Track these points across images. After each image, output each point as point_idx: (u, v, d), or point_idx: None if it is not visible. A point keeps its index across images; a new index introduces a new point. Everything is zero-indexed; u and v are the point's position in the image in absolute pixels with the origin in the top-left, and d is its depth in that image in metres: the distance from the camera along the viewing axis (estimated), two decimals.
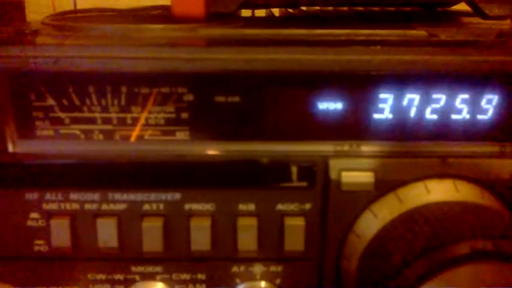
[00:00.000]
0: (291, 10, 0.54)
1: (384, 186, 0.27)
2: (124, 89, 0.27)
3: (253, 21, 0.40)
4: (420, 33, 0.32)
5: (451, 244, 0.22)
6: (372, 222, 0.27)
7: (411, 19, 0.46)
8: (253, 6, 0.48)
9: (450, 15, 0.51)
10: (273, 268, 0.30)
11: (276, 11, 0.56)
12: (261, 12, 0.53)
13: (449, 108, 0.28)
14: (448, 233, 0.23)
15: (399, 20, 0.45)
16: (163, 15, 0.41)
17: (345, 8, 0.56)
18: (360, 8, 0.55)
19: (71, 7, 0.71)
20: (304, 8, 0.54)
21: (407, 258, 0.23)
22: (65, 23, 0.32)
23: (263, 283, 0.30)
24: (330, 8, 0.56)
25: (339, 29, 0.31)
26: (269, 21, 0.46)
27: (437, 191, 0.26)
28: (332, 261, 0.29)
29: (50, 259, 0.30)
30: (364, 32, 0.31)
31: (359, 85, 0.27)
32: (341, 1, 0.49)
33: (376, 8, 0.54)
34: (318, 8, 0.55)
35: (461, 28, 0.38)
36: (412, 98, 0.28)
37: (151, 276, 0.30)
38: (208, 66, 0.27)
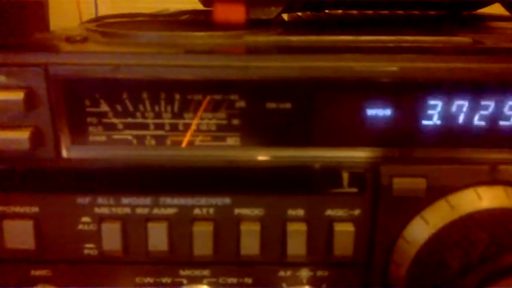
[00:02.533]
0: (300, 14, 0.54)
1: (435, 192, 0.27)
2: (177, 96, 0.27)
3: (291, 27, 0.41)
4: (465, 39, 0.32)
5: (509, 252, 0.23)
6: (423, 228, 0.27)
7: (441, 23, 0.46)
8: (288, 11, 0.49)
9: (478, 19, 0.51)
10: (319, 273, 0.30)
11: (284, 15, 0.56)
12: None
13: (497, 114, 0.28)
14: (505, 240, 0.23)
15: (428, 24, 0.46)
16: (200, 21, 0.42)
17: (370, 12, 0.56)
18: (385, 12, 0.55)
19: (91, 12, 0.72)
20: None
21: (465, 265, 0.23)
22: (112, 29, 0.33)
23: (307, 287, 0.30)
24: (354, 12, 0.56)
25: (384, 36, 0.32)
26: (306, 27, 0.46)
27: (489, 198, 0.27)
28: (380, 267, 0.29)
29: (99, 262, 0.30)
30: (409, 39, 0.31)
31: (409, 92, 0.27)
32: (366, 5, 0.49)
33: (401, 12, 0.54)
34: (341, 11, 0.55)
35: (500, 34, 0.38)
36: (460, 105, 0.28)
37: (198, 280, 0.30)
38: (261, 73, 0.27)
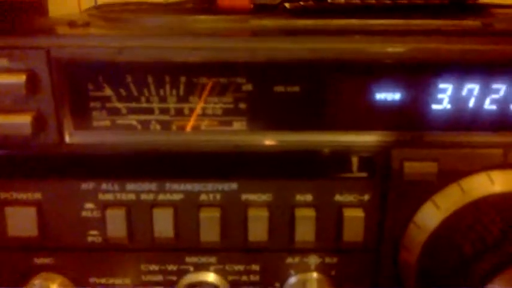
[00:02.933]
0: (302, 3, 0.54)
1: (446, 176, 0.27)
2: (183, 79, 0.27)
3: (297, 13, 0.40)
4: (474, 23, 0.31)
5: None
6: (434, 213, 0.27)
7: (446, 11, 0.45)
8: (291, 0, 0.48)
9: (483, 8, 0.50)
10: (328, 260, 0.29)
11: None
12: None
13: (509, 98, 0.27)
14: None
15: (433, 12, 0.45)
16: (204, 7, 0.41)
17: (373, 1, 0.55)
18: (387, 2, 0.54)
19: (90, 2, 0.71)
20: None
21: (479, 249, 0.23)
22: (115, 15, 0.32)
23: (316, 274, 0.30)
24: (357, 1, 0.55)
25: (393, 19, 0.31)
26: (313, 13, 0.45)
27: (502, 182, 0.26)
28: (390, 252, 0.29)
29: (103, 250, 0.29)
30: (419, 22, 0.31)
31: (419, 74, 0.27)
32: None
33: (404, 1, 0.54)
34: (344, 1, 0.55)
35: (507, 18, 0.38)
36: (471, 88, 0.27)
37: (205, 267, 0.30)
38: (269, 56, 0.26)
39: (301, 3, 0.54)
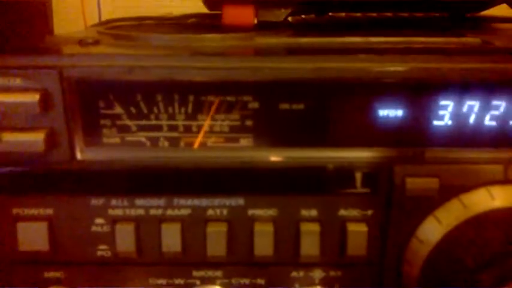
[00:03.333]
0: (303, 16, 0.55)
1: (448, 192, 0.28)
2: (191, 98, 0.27)
3: (299, 29, 0.41)
4: (474, 40, 0.32)
5: None
6: (436, 227, 0.27)
7: (445, 25, 0.46)
8: (295, 14, 0.49)
9: (482, 21, 0.51)
10: (332, 273, 0.30)
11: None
12: None
13: (509, 114, 0.28)
14: None
15: (432, 26, 0.46)
16: (209, 24, 0.42)
17: (374, 14, 0.56)
18: (389, 14, 0.55)
19: (94, 14, 0.73)
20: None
21: (480, 263, 0.23)
22: (124, 32, 0.33)
23: None
24: (358, 14, 0.56)
25: (394, 37, 0.32)
26: (314, 28, 0.46)
27: (502, 197, 0.27)
28: (393, 266, 0.29)
29: (112, 264, 0.30)
30: (420, 40, 0.31)
31: (420, 92, 0.27)
32: (370, 7, 0.49)
33: (404, 14, 0.55)
34: (344, 14, 0.56)
35: (507, 35, 0.39)
36: (471, 105, 0.28)
37: (211, 281, 0.30)
38: (274, 75, 0.27)
39: (303, 16, 0.56)
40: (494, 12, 0.50)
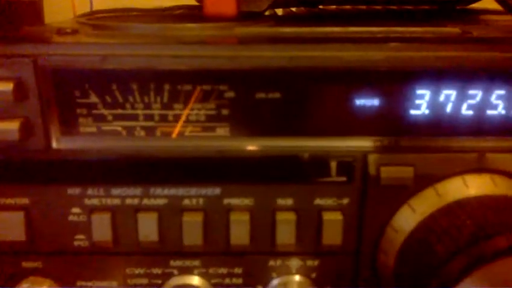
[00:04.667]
0: (294, 9, 0.55)
1: (423, 181, 0.28)
2: (166, 87, 0.27)
3: (282, 20, 0.41)
4: (454, 30, 0.32)
5: (494, 237, 0.23)
6: (411, 216, 0.27)
7: (432, 17, 0.46)
8: (280, 6, 0.49)
9: (470, 13, 0.51)
10: (309, 262, 0.30)
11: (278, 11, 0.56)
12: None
13: (485, 103, 0.28)
14: (491, 227, 0.23)
15: (420, 18, 0.46)
16: (192, 14, 0.42)
17: (363, 7, 0.56)
18: (378, 7, 0.55)
19: (86, 7, 0.72)
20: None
21: (451, 251, 0.23)
22: (102, 22, 0.33)
23: (297, 277, 0.31)
24: (348, 7, 0.56)
25: (374, 27, 0.32)
26: (298, 20, 0.46)
27: (476, 186, 0.27)
28: (369, 255, 0.29)
29: (89, 254, 0.30)
30: (398, 30, 0.31)
31: (397, 81, 0.27)
32: (359, 1, 0.49)
33: (394, 7, 0.55)
34: (335, 7, 0.55)
35: (489, 25, 0.38)
36: (448, 94, 0.28)
37: (189, 270, 0.30)
38: (250, 63, 0.27)
39: (293, 9, 0.56)
40: (488, 5, 0.50)
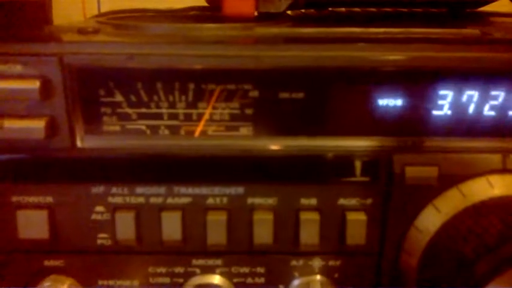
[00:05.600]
0: (303, 11, 0.55)
1: (447, 181, 0.28)
2: (191, 86, 0.27)
3: (300, 21, 0.41)
4: (474, 31, 0.32)
5: None
6: (435, 216, 0.27)
7: (444, 20, 0.46)
8: (293, 8, 0.49)
9: (481, 16, 0.51)
10: (331, 262, 0.30)
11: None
12: None
13: (507, 104, 0.28)
14: None
15: (431, 21, 0.46)
16: (209, 15, 0.42)
17: (373, 10, 0.56)
18: (388, 10, 0.55)
19: (94, 10, 0.73)
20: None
21: (479, 252, 0.23)
22: (125, 22, 0.33)
23: (319, 277, 0.31)
24: (357, 10, 0.56)
25: (394, 28, 0.32)
26: (315, 21, 0.46)
27: (501, 186, 0.27)
28: (392, 255, 0.29)
29: (112, 253, 0.30)
30: (419, 31, 0.32)
31: (420, 81, 0.28)
32: (370, 2, 0.49)
33: (404, 10, 0.55)
34: (344, 9, 0.56)
35: (506, 27, 0.39)
36: (471, 95, 0.28)
37: (211, 269, 0.30)
38: (274, 63, 0.27)
39: (303, 11, 0.56)
40: (495, 9, 0.50)
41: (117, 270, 0.31)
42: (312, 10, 0.57)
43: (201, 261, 0.30)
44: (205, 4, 0.48)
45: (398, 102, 0.28)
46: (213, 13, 0.42)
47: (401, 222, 0.29)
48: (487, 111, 0.28)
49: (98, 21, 0.35)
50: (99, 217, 0.29)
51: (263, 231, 0.29)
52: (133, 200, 0.29)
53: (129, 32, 0.31)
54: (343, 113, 0.28)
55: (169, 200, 0.29)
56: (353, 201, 0.29)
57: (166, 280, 0.31)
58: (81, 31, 0.31)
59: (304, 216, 0.29)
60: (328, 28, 0.33)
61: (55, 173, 0.28)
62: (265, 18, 0.36)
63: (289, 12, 0.54)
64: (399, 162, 0.28)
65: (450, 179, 0.28)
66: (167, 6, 0.57)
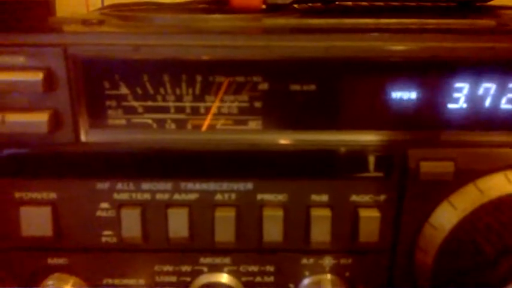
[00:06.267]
0: (310, 4, 0.54)
1: (463, 176, 0.27)
2: (198, 78, 0.27)
3: (308, 13, 0.40)
4: (490, 22, 0.31)
5: None
6: (451, 213, 0.26)
7: (454, 13, 0.45)
8: (301, 1, 0.48)
9: (492, 9, 0.50)
10: (343, 261, 0.29)
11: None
12: None
13: None
14: None
15: (440, 14, 0.45)
16: (214, 7, 0.41)
17: (380, 3, 0.55)
18: (395, 3, 0.54)
19: (96, 4, 0.72)
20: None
21: (500, 250, 0.22)
22: (130, 13, 0.32)
23: (329, 276, 0.30)
24: (364, 3, 0.55)
25: (406, 19, 0.31)
26: (323, 12, 0.45)
27: None
28: (405, 253, 0.28)
29: (117, 250, 0.29)
30: (432, 21, 0.30)
31: (435, 72, 0.27)
32: None
33: (412, 3, 0.54)
34: (351, 3, 0.55)
35: None
36: (487, 87, 0.27)
37: (219, 268, 0.30)
38: (285, 53, 0.26)
39: (309, 4, 0.55)
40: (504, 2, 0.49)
41: (122, 268, 0.30)
42: (319, 4, 0.56)
43: (208, 260, 0.29)
44: None
45: (413, 94, 0.27)
46: (220, 6, 0.41)
47: (415, 219, 0.28)
48: (504, 104, 0.27)
49: (102, 13, 0.35)
50: (104, 214, 0.28)
51: (273, 229, 0.28)
52: (139, 196, 0.28)
53: (135, 23, 0.30)
54: (355, 106, 0.27)
55: (176, 196, 0.28)
56: (366, 198, 0.28)
57: (173, 279, 0.30)
58: (85, 22, 0.30)
59: (315, 212, 0.28)
60: (337, 19, 0.32)
61: (59, 169, 0.28)
62: (273, 9, 0.35)
63: (295, 6, 0.53)
64: (414, 157, 0.27)
65: (467, 175, 0.27)
66: (173, 0, 0.56)
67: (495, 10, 0.48)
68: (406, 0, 0.53)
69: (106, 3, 0.73)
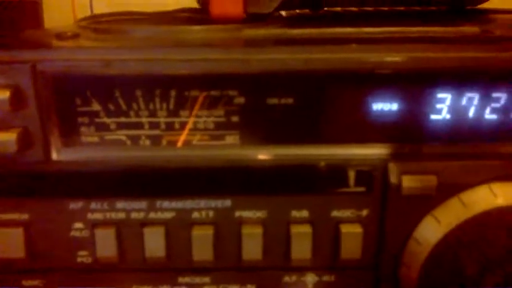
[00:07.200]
0: (298, 11, 0.53)
1: (446, 190, 0.26)
2: (173, 93, 0.26)
3: (291, 22, 0.39)
4: (473, 29, 0.30)
5: None
6: (435, 228, 0.26)
7: (443, 18, 0.45)
8: (286, 8, 0.47)
9: (481, 13, 0.50)
10: (326, 278, 0.28)
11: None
12: None
13: (509, 107, 0.26)
14: None
15: (430, 19, 0.44)
16: (197, 17, 0.40)
17: (370, 9, 0.55)
18: (385, 8, 0.54)
19: (86, 12, 0.71)
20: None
21: (483, 266, 0.22)
22: (105, 26, 0.31)
23: None
24: (354, 9, 0.55)
25: (391, 27, 0.30)
26: (307, 21, 0.44)
27: (505, 194, 0.25)
28: (389, 269, 0.28)
29: (93, 270, 0.28)
30: (417, 30, 0.30)
31: (417, 84, 0.26)
32: (366, 1, 0.48)
33: (402, 8, 0.53)
34: (340, 9, 0.54)
35: (506, 24, 0.37)
36: (471, 97, 0.26)
37: (198, 287, 0.29)
38: (262, 66, 0.25)
39: (297, 11, 0.54)
40: (497, 5, 0.49)
41: None
42: (307, 10, 0.55)
43: (187, 279, 0.29)
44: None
45: (394, 106, 0.26)
46: (203, 15, 0.40)
47: (399, 234, 0.27)
48: (488, 115, 0.27)
49: (79, 26, 0.34)
50: (78, 234, 0.28)
51: (252, 246, 0.27)
52: (113, 215, 0.27)
53: (109, 37, 0.30)
54: (335, 119, 0.26)
55: (152, 215, 0.27)
56: (347, 213, 0.27)
57: None
58: (59, 36, 0.29)
59: (296, 229, 0.27)
60: (320, 29, 0.31)
61: (30, 188, 0.27)
62: (255, 19, 0.34)
63: (282, 12, 0.53)
64: (395, 170, 0.26)
65: (450, 188, 0.26)
66: (160, 8, 0.55)
67: (485, 15, 0.48)
68: (396, 5, 0.52)
69: (96, 11, 0.73)
